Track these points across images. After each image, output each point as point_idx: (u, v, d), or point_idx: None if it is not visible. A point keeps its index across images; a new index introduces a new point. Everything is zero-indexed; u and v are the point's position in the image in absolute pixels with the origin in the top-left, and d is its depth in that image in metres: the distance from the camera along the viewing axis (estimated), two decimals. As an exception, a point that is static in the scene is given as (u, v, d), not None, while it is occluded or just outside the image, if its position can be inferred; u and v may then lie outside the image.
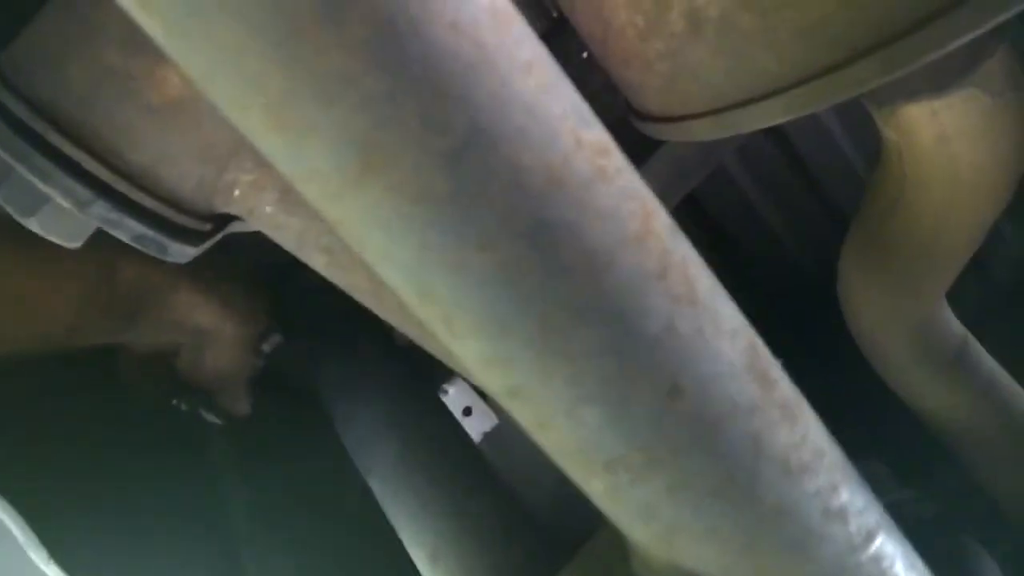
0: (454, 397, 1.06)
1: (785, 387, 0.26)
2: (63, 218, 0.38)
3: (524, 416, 0.24)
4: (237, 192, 0.41)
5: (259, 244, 0.98)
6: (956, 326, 0.72)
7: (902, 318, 0.71)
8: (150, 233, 0.37)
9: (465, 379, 1.09)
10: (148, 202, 0.37)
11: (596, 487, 0.25)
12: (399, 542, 0.75)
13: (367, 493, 0.80)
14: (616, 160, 0.23)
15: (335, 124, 0.20)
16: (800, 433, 0.26)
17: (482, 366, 0.23)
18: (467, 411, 1.06)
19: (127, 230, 0.36)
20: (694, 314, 0.23)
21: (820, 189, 1.05)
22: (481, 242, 0.21)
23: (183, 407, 0.82)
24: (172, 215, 0.38)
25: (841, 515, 0.27)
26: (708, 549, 0.25)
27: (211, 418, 0.84)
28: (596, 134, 0.23)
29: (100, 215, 0.35)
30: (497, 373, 0.23)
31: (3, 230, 0.59)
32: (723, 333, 0.24)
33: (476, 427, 1.05)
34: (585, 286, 0.22)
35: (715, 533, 0.25)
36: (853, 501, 0.28)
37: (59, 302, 0.60)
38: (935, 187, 0.54)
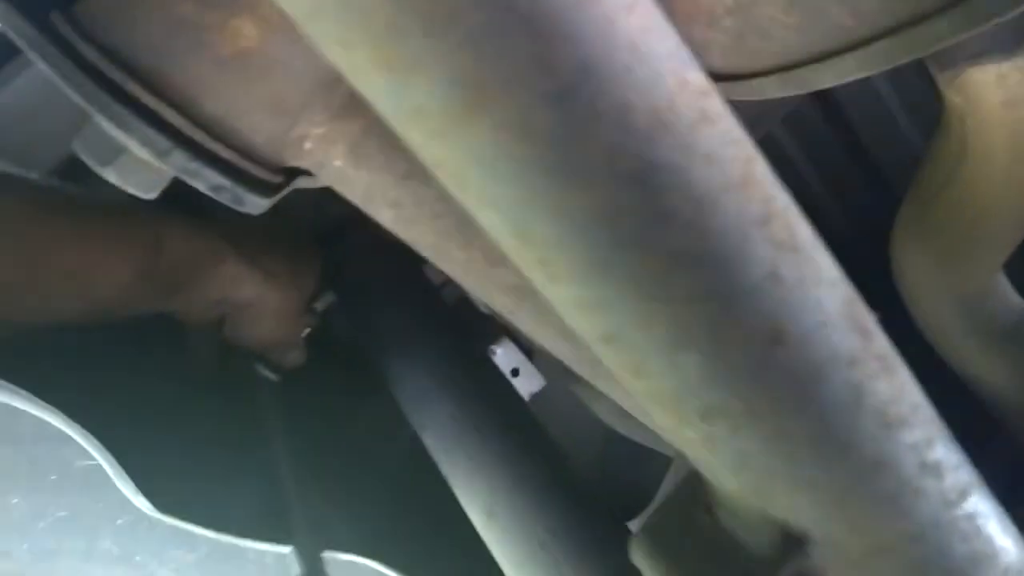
0: (502, 358, 1.07)
1: (882, 340, 0.26)
2: (140, 168, 0.38)
3: (619, 362, 0.24)
4: (308, 145, 0.41)
5: (311, 205, 0.99)
6: (1014, 299, 0.70)
7: (957, 290, 0.69)
8: (227, 183, 0.37)
9: (513, 340, 1.09)
10: (224, 152, 0.37)
11: (690, 436, 0.24)
12: (451, 497, 0.76)
13: (418, 450, 0.82)
14: (717, 103, 0.22)
15: (441, 60, 0.19)
16: (897, 386, 0.25)
17: (578, 311, 0.23)
18: (515, 372, 1.07)
19: (205, 180, 0.36)
20: (796, 261, 0.23)
21: (871, 160, 1.02)
22: (584, 183, 0.20)
23: (241, 365, 0.84)
24: (247, 166, 0.38)
25: (936, 470, 0.26)
26: (802, 500, 0.25)
27: (268, 375, 0.85)
28: (698, 76, 0.22)
29: (179, 165, 0.35)
30: (594, 318, 0.22)
31: (55, 205, 0.61)
32: (823, 282, 0.24)
33: (524, 388, 1.05)
34: (688, 230, 0.21)
35: (810, 484, 0.24)
36: (948, 457, 0.27)
37: (109, 274, 0.61)
38: (998, 154, 0.52)
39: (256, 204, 0.40)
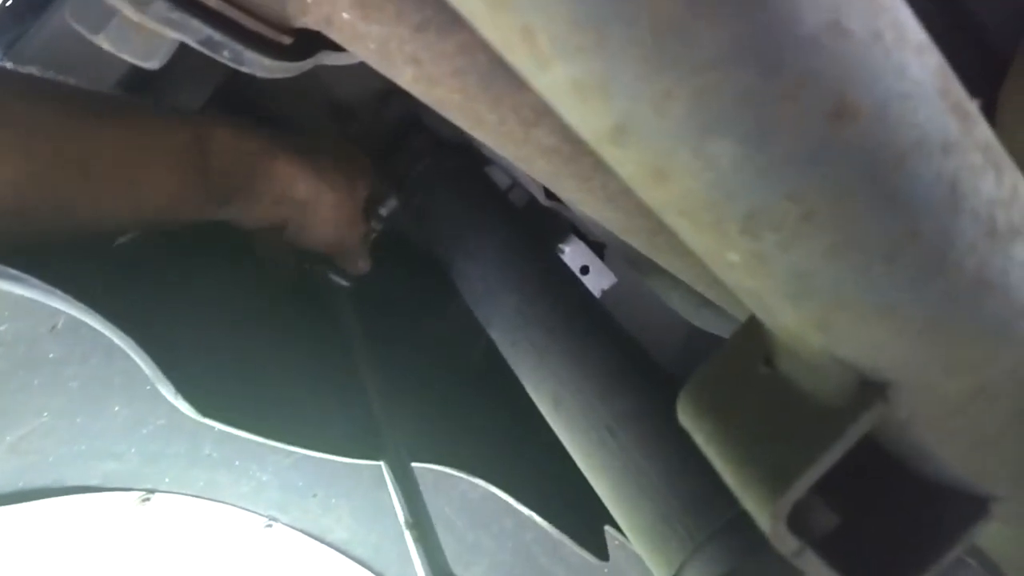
0: (571, 256, 1.03)
1: (987, 130, 0.20)
2: (133, 32, 0.35)
3: (637, 166, 0.19)
4: (310, -4, 0.37)
5: (369, 112, 0.96)
6: None
7: None
8: (217, 36, 0.34)
9: (580, 237, 1.05)
10: (212, 2, 0.34)
11: (732, 261, 0.20)
12: (524, 393, 0.74)
13: (492, 349, 0.80)
14: None
15: None
16: (1008, 187, 0.20)
17: (579, 101, 0.18)
18: (584, 270, 1.03)
19: (192, 32, 0.33)
20: (869, 12, 0.17)
21: (975, 24, 0.87)
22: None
23: (311, 272, 0.84)
24: (240, 17, 0.35)
25: (1061, 294, 0.21)
26: (878, 332, 0.20)
27: (339, 281, 0.85)
28: None
29: (161, 15, 0.32)
30: (596, 105, 0.18)
31: (98, 109, 0.60)
32: (908, 44, 0.18)
33: (594, 285, 1.02)
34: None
35: (890, 310, 0.19)
36: (1077, 279, 0.21)
37: (156, 175, 0.60)
38: None
39: (260, 64, 0.36)
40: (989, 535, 0.27)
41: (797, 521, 0.23)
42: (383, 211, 0.92)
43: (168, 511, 1.11)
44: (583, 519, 0.83)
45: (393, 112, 0.95)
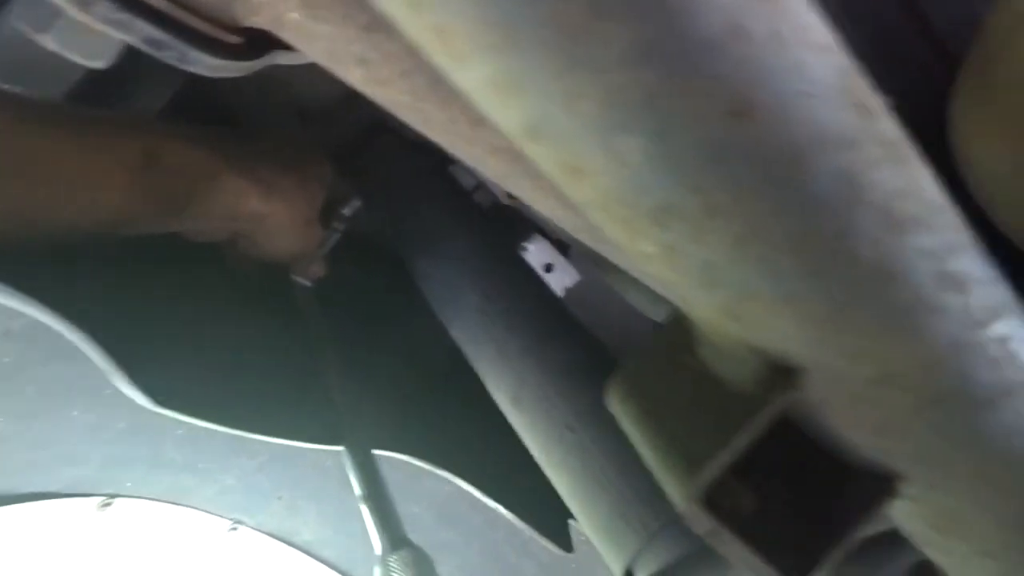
0: (535, 254, 1.04)
1: (889, 124, 0.21)
2: (79, 32, 0.35)
3: (555, 163, 0.20)
4: (257, -4, 0.37)
5: (329, 114, 0.96)
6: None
7: (1018, 159, 0.61)
8: (162, 36, 0.34)
9: (544, 235, 1.06)
10: (157, 2, 0.34)
11: (647, 250, 0.21)
12: (484, 391, 0.75)
13: (458, 348, 0.81)
14: None
15: None
16: (908, 179, 0.21)
17: (495, 99, 0.19)
18: (548, 268, 1.04)
19: (136, 32, 0.33)
20: (770, 14, 0.18)
21: (929, 28, 0.90)
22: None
23: (274, 273, 0.84)
24: (185, 18, 0.35)
25: (960, 283, 0.22)
26: (787, 321, 0.21)
27: (302, 281, 0.85)
28: None
29: (105, 16, 0.32)
30: (513, 104, 0.18)
31: (46, 116, 0.59)
32: (809, 44, 0.19)
33: (559, 282, 1.03)
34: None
35: (796, 299, 0.20)
36: (975, 269, 0.22)
37: (105, 188, 0.60)
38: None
39: (206, 64, 0.36)
40: (908, 516, 0.28)
41: (717, 503, 0.24)
42: (346, 211, 0.92)
43: (130, 516, 1.10)
44: (549, 513, 0.84)
45: (358, 112, 0.96)
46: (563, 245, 1.08)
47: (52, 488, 1.00)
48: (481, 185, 1.05)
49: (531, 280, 0.84)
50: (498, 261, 0.84)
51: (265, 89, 0.90)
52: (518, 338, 0.71)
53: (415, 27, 0.18)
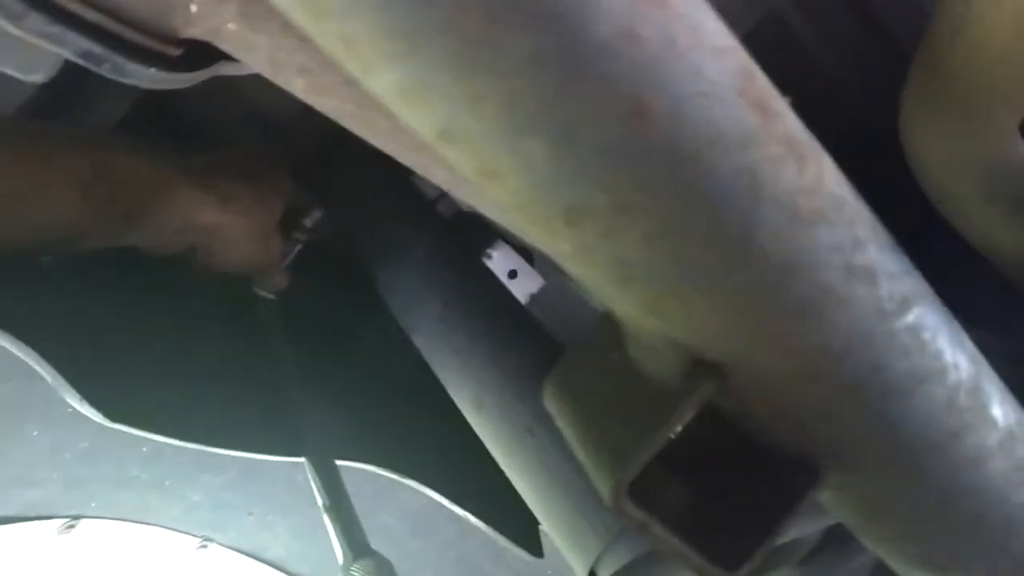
0: (498, 261, 1.05)
1: (792, 123, 0.22)
2: (15, 47, 0.35)
3: (468, 166, 0.20)
4: (194, 8, 0.38)
5: (289, 127, 0.95)
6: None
7: (972, 155, 0.63)
8: (97, 49, 0.34)
9: (508, 242, 1.07)
10: (91, 15, 0.34)
11: (564, 249, 0.21)
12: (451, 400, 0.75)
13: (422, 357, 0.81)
14: None
15: None
16: (811, 176, 0.22)
17: (407, 105, 0.19)
18: (512, 274, 1.05)
19: (70, 46, 0.33)
20: (663, 19, 0.19)
21: (883, 29, 0.92)
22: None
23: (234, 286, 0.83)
24: (121, 30, 0.35)
25: (868, 275, 0.23)
26: (700, 315, 0.21)
27: (264, 294, 0.84)
28: None
29: (37, 29, 0.32)
30: (423, 110, 0.19)
31: None
32: (704, 48, 0.20)
33: (522, 289, 1.03)
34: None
35: (708, 293, 0.21)
36: (884, 261, 0.23)
37: (56, 200, 0.59)
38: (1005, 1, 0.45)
39: (145, 76, 0.36)
40: (839, 505, 0.29)
41: (649, 498, 0.24)
42: (308, 222, 0.91)
43: (95, 537, 1.08)
44: (519, 520, 0.84)
45: (319, 123, 0.95)
46: (527, 251, 1.09)
47: (11, 511, 0.98)
48: (444, 194, 1.05)
49: (493, 287, 0.85)
50: (460, 269, 0.84)
51: (222, 99, 0.90)
52: (479, 344, 0.72)
53: (322, 37, 0.18)
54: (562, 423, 0.26)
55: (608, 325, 0.26)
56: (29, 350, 0.51)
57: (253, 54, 0.40)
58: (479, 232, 1.06)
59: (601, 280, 0.22)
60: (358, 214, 0.94)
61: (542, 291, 1.04)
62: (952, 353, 0.25)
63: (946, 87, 0.58)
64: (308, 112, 0.97)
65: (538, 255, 1.11)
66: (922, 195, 0.67)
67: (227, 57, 0.45)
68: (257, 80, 0.47)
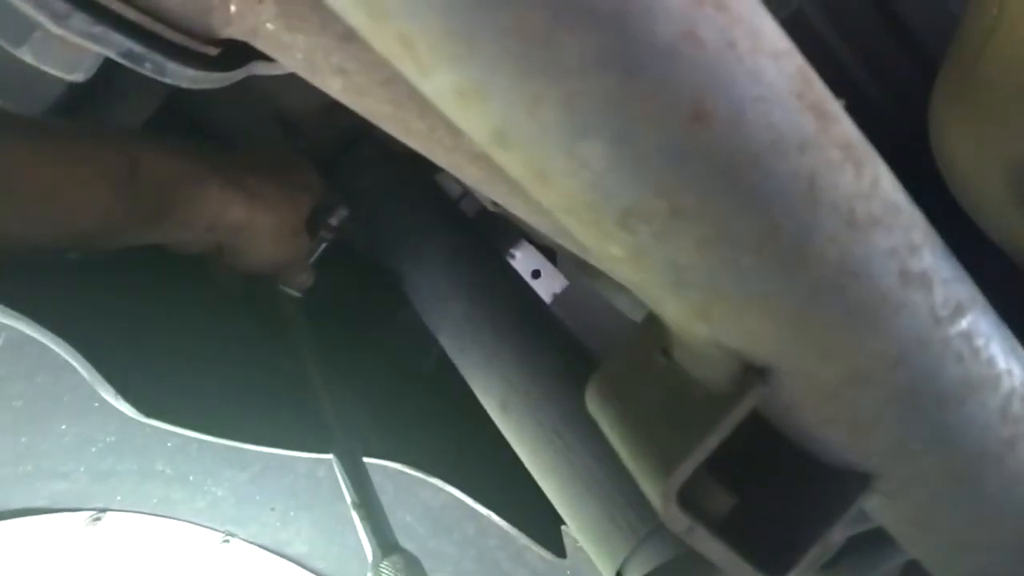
0: (522, 260, 1.05)
1: (848, 127, 0.21)
2: (56, 45, 0.35)
3: (521, 169, 0.20)
4: (233, 8, 0.38)
5: (316, 123, 0.96)
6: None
7: (1001, 159, 0.61)
8: (139, 49, 0.34)
9: (531, 242, 1.06)
10: (133, 15, 0.34)
11: (616, 253, 0.21)
12: (474, 398, 0.75)
13: (447, 355, 0.81)
14: None
15: None
16: (868, 180, 0.21)
17: (462, 107, 0.19)
18: (536, 274, 1.05)
19: (113, 45, 0.34)
20: (723, 22, 0.18)
21: (909, 33, 0.91)
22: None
23: (260, 285, 0.84)
24: (162, 30, 0.35)
25: (923, 281, 0.22)
26: (755, 320, 0.21)
27: (289, 291, 0.85)
28: None
29: (81, 29, 0.32)
30: (478, 111, 0.19)
31: (26, 130, 0.60)
32: (763, 51, 0.19)
33: (546, 289, 1.03)
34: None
35: (761, 299, 0.21)
36: (938, 267, 0.23)
37: (86, 196, 0.60)
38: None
39: (184, 75, 0.37)
40: (885, 513, 0.28)
41: (693, 502, 0.24)
42: (333, 221, 0.92)
43: (120, 530, 1.09)
44: (542, 519, 0.84)
45: (343, 122, 0.96)
46: (550, 251, 1.08)
47: (39, 503, 1.00)
48: (467, 193, 1.05)
49: (517, 286, 0.85)
50: (485, 268, 0.84)
51: (248, 99, 0.90)
52: (505, 344, 0.72)
53: (380, 38, 0.18)
54: (605, 425, 0.26)
55: (652, 327, 0.26)
56: (67, 345, 0.52)
57: (290, 54, 0.41)
58: (502, 231, 1.06)
59: (651, 284, 0.21)
60: (383, 213, 0.94)
61: (564, 291, 1.04)
62: (1005, 360, 0.24)
63: (977, 89, 0.57)
64: (329, 111, 0.97)
65: (561, 255, 1.11)
66: (951, 200, 0.66)
67: (263, 57, 0.45)
68: (279, 79, 0.47)
